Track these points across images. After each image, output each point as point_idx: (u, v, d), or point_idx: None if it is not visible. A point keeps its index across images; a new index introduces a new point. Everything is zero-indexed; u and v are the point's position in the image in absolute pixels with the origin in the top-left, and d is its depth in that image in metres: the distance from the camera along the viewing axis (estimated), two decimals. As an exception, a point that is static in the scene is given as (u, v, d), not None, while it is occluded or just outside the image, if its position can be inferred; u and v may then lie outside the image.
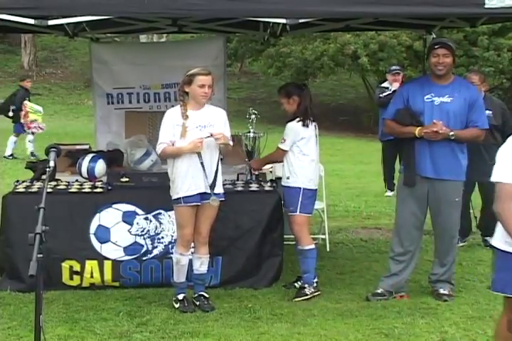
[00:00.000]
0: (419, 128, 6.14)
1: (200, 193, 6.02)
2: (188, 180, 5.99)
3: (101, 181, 7.16)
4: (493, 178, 4.13)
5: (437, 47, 6.25)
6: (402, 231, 6.46)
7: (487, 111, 7.36)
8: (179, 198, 6.03)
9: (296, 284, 6.69)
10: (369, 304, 6.29)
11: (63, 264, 6.65)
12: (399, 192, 6.62)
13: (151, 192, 6.78)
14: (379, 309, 6.14)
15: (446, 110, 6.16)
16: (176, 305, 6.18)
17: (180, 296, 6.23)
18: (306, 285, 6.50)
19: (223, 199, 6.13)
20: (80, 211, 6.73)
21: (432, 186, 6.28)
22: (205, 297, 6.25)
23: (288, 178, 6.52)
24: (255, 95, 29.02)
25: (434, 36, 7.67)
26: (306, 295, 6.43)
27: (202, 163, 5.95)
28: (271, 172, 7.93)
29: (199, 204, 6.05)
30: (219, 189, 6.11)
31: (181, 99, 6.11)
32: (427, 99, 6.22)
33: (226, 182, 7.06)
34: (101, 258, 6.69)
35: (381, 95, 11.33)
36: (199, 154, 5.94)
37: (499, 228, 4.16)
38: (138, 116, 8.80)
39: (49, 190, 5.65)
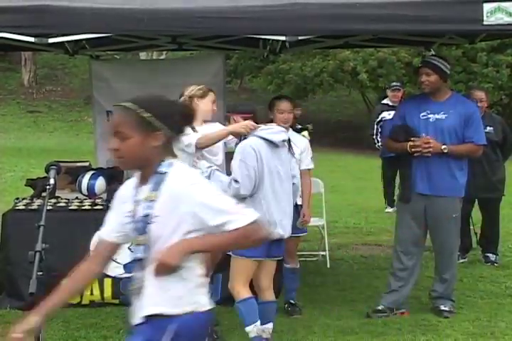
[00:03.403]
0: (409, 143, 6.17)
1: None
2: None
3: (101, 198, 7.16)
4: None
5: (420, 66, 6.37)
6: (400, 247, 6.46)
7: (488, 128, 7.40)
8: None
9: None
10: (370, 321, 6.27)
11: (63, 282, 6.63)
12: (397, 208, 6.67)
13: (151, 209, 6.77)
14: (380, 326, 6.12)
15: (441, 127, 6.19)
16: None
17: None
18: (297, 302, 6.56)
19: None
20: (80, 228, 6.72)
21: (429, 202, 6.28)
22: None
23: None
24: (255, 112, 29.01)
25: (433, 53, 7.70)
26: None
27: None
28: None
29: None
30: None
31: None
32: (423, 116, 6.26)
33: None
34: (101, 276, 6.67)
35: (376, 123, 11.33)
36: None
37: None
38: (138, 133, 8.79)
39: (49, 208, 5.64)
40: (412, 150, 6.16)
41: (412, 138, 6.18)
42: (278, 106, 6.40)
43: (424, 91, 6.34)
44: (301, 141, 6.56)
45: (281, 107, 6.39)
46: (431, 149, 6.11)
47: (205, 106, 5.97)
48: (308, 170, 6.55)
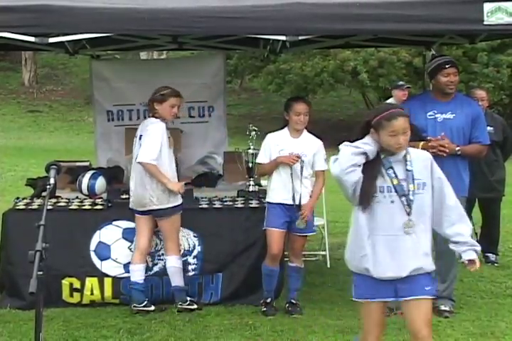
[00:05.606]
0: (422, 142, 6.14)
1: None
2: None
3: (101, 198, 7.16)
4: None
5: (448, 66, 6.28)
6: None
7: (488, 127, 7.36)
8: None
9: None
10: (370, 321, 6.26)
11: (63, 281, 6.64)
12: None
13: (152, 208, 6.78)
14: (380, 326, 6.11)
15: (449, 126, 6.18)
16: None
17: None
18: (298, 302, 6.57)
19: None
20: (80, 228, 6.74)
21: (433, 202, 6.26)
22: None
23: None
24: (255, 111, 29.04)
25: (434, 52, 7.68)
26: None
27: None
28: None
29: None
30: None
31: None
32: (430, 115, 6.24)
33: (227, 199, 7.07)
34: (101, 275, 6.68)
35: None
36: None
37: None
38: (138, 133, 8.78)
39: (49, 207, 5.64)
40: (429, 150, 6.12)
41: (428, 138, 6.14)
42: (295, 108, 6.37)
43: (450, 91, 6.26)
44: (315, 143, 6.51)
45: (298, 109, 6.36)
46: (444, 154, 6.08)
47: (162, 110, 6.39)
48: (322, 171, 6.48)
